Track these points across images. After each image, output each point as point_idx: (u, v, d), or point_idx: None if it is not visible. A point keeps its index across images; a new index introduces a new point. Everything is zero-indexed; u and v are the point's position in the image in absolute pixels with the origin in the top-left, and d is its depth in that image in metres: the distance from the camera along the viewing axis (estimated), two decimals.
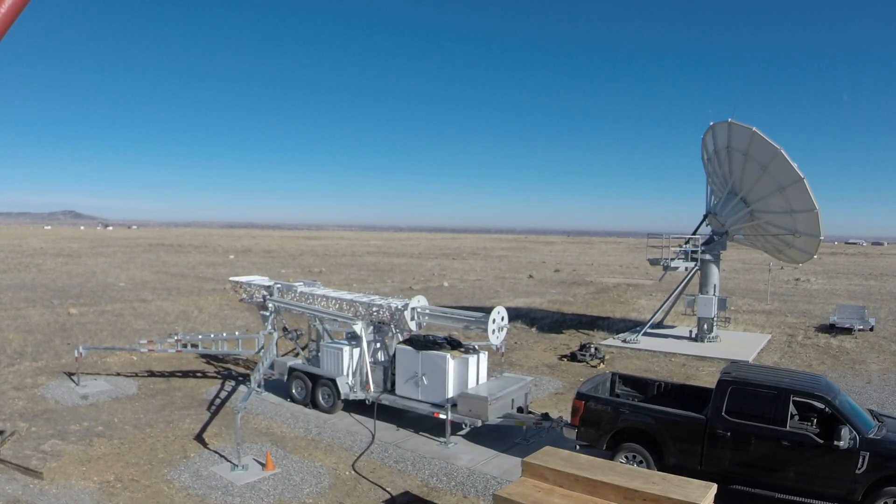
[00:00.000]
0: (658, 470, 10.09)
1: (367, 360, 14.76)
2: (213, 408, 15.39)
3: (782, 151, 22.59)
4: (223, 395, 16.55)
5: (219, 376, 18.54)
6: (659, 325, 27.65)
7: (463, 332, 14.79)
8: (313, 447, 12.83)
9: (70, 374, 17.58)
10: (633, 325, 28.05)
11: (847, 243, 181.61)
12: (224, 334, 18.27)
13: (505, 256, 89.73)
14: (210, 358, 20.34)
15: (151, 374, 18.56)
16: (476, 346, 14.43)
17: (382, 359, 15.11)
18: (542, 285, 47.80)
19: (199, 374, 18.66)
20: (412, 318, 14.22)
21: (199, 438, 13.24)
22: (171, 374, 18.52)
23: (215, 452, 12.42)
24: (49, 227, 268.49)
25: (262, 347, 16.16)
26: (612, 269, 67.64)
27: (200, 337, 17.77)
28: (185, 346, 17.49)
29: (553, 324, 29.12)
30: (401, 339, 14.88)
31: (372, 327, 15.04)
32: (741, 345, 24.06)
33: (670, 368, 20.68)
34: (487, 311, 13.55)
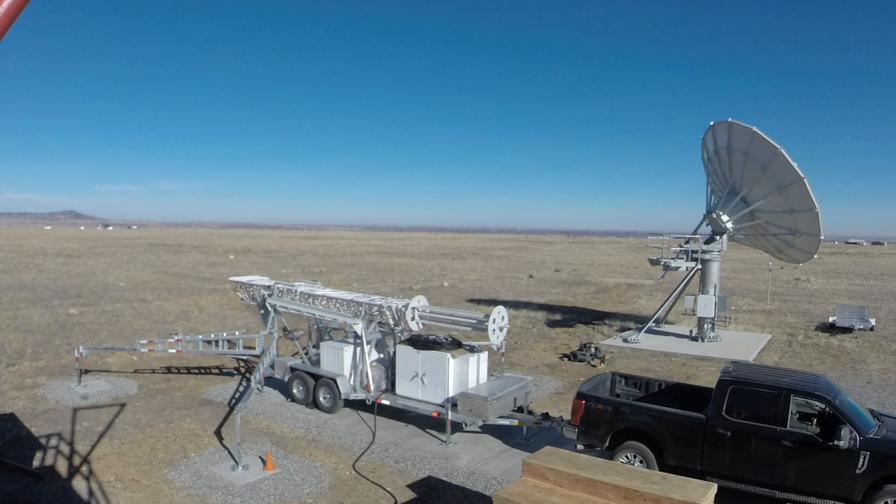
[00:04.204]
0: (659, 469, 10.09)
1: (368, 359, 14.76)
2: (217, 407, 15.40)
3: (782, 151, 22.58)
4: (226, 394, 16.56)
5: (219, 376, 18.56)
6: (659, 322, 27.66)
7: (463, 332, 14.78)
8: (313, 447, 12.83)
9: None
10: (633, 325, 28.05)
11: (847, 243, 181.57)
12: (224, 334, 18.30)
13: (505, 256, 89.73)
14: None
15: (152, 373, 18.58)
16: (476, 346, 14.44)
17: (383, 358, 15.12)
18: (543, 285, 47.79)
19: (199, 374, 18.68)
20: (412, 318, 14.22)
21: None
22: (171, 374, 18.55)
23: (224, 448, 12.44)
24: (49, 227, 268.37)
25: (264, 348, 16.18)
26: (613, 268, 67.63)
27: (200, 337, 17.80)
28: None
29: (553, 324, 29.11)
30: (401, 338, 14.88)
31: (372, 327, 15.04)
32: (741, 345, 24.06)
33: (670, 368, 20.67)
34: (488, 310, 13.55)
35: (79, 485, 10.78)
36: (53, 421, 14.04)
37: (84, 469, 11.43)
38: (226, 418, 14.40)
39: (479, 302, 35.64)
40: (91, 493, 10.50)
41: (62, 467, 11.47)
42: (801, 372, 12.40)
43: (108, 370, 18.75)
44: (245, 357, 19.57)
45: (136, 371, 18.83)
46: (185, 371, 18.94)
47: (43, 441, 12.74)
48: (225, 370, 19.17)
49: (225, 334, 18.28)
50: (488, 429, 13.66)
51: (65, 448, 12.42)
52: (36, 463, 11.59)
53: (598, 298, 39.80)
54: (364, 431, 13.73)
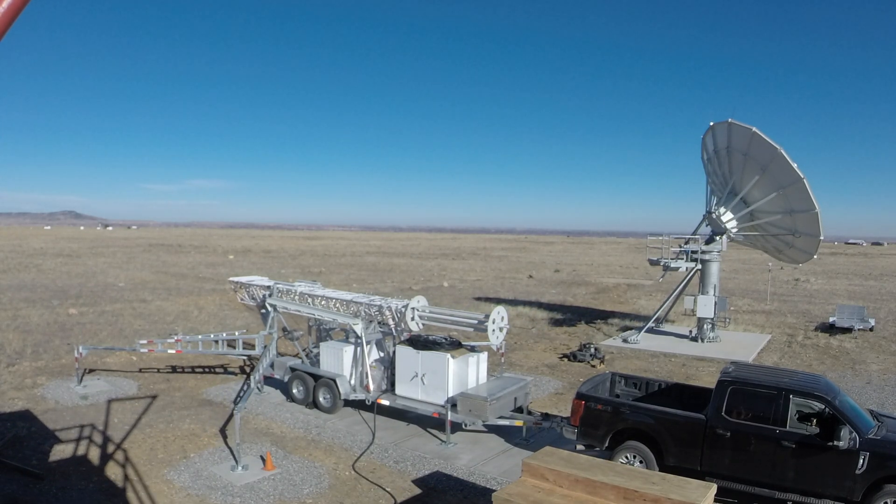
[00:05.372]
0: (659, 470, 10.10)
1: (368, 360, 14.76)
2: (217, 407, 15.40)
3: (782, 151, 22.59)
4: (226, 394, 16.56)
5: (219, 376, 18.56)
6: (659, 322, 27.67)
7: (463, 333, 14.79)
8: (313, 447, 12.83)
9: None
10: (633, 326, 28.05)
11: (847, 243, 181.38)
12: (224, 334, 18.31)
13: (505, 257, 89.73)
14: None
15: (151, 374, 18.58)
16: (476, 347, 14.44)
17: (382, 359, 15.12)
18: (542, 285, 47.80)
19: (199, 375, 18.68)
20: (412, 319, 14.23)
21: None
22: (171, 374, 18.55)
23: (224, 449, 12.44)
24: (49, 227, 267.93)
25: (265, 347, 16.19)
26: (612, 269, 67.64)
27: (200, 337, 17.79)
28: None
29: (553, 324, 29.12)
30: (401, 339, 14.88)
31: (372, 327, 15.04)
32: (741, 345, 24.06)
33: (670, 368, 20.68)
34: (488, 310, 13.55)
35: (78, 485, 10.77)
36: (53, 421, 14.03)
37: (83, 469, 11.43)
38: (228, 420, 14.39)
39: (478, 302, 35.63)
40: (90, 492, 10.50)
41: (61, 467, 11.46)
42: (801, 372, 12.40)
43: (109, 370, 18.75)
44: (247, 356, 19.62)
45: (141, 370, 18.85)
46: (190, 370, 18.97)
47: (42, 441, 12.74)
48: (230, 369, 19.21)
49: (225, 334, 18.28)
50: (489, 429, 13.66)
51: (64, 448, 12.42)
52: (36, 463, 11.58)
53: (598, 299, 39.80)
54: (364, 432, 13.73)
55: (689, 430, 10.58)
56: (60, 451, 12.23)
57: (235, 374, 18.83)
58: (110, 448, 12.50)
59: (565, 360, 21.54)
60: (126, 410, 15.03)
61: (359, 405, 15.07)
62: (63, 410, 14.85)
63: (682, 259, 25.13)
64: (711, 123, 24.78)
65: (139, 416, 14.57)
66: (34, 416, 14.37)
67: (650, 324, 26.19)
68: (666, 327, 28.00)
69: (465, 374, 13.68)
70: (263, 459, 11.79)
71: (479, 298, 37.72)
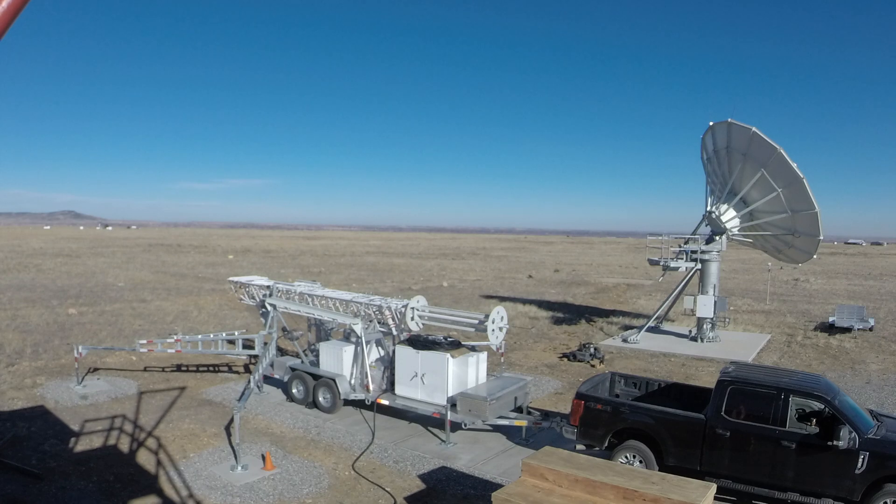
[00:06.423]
0: (658, 469, 10.10)
1: (367, 359, 14.76)
2: (216, 407, 15.39)
3: (781, 151, 22.59)
4: (226, 394, 16.56)
5: (218, 375, 18.56)
6: (660, 321, 27.67)
7: (463, 333, 14.79)
8: (313, 447, 12.83)
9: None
10: (632, 325, 28.05)
11: (847, 243, 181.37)
12: (224, 334, 18.30)
13: (504, 256, 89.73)
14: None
15: (151, 373, 18.57)
16: (476, 347, 14.44)
17: (382, 358, 15.12)
18: (542, 285, 47.80)
19: (199, 375, 18.67)
20: (412, 319, 14.22)
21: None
22: (171, 374, 18.54)
23: (223, 449, 12.43)
24: (49, 227, 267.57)
25: (265, 347, 16.19)
26: (612, 269, 67.64)
27: (200, 337, 17.79)
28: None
29: (553, 324, 29.12)
30: (401, 339, 14.88)
31: (371, 327, 15.04)
32: (741, 345, 24.06)
33: (670, 368, 20.68)
34: (487, 310, 13.54)
35: (78, 485, 10.77)
36: (52, 421, 14.03)
37: (83, 469, 11.42)
38: (230, 421, 14.38)
39: (478, 302, 35.63)
40: (90, 492, 10.49)
41: (61, 467, 11.46)
42: (801, 372, 12.41)
43: (109, 369, 18.75)
44: (248, 356, 19.63)
45: (146, 368, 18.85)
46: (194, 369, 18.97)
47: (42, 441, 12.74)
48: (234, 369, 19.24)
49: (224, 334, 18.28)
50: (493, 428, 13.67)
51: (64, 448, 12.41)
52: (35, 463, 11.57)
53: (598, 298, 39.81)
54: (363, 431, 13.73)
55: (688, 429, 10.59)
56: (60, 451, 12.22)
57: (239, 374, 18.84)
58: (110, 448, 12.49)
59: (565, 359, 21.55)
60: (125, 410, 15.02)
61: (359, 405, 15.08)
62: (63, 410, 14.84)
63: (682, 259, 25.12)
64: (711, 123, 24.78)
65: (139, 416, 14.57)
66: (34, 415, 14.36)
67: (650, 323, 26.19)
68: (666, 327, 28.01)
69: (465, 373, 13.68)
70: (263, 459, 11.79)
71: (478, 298, 37.72)
